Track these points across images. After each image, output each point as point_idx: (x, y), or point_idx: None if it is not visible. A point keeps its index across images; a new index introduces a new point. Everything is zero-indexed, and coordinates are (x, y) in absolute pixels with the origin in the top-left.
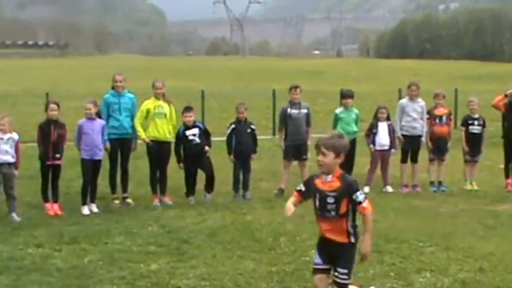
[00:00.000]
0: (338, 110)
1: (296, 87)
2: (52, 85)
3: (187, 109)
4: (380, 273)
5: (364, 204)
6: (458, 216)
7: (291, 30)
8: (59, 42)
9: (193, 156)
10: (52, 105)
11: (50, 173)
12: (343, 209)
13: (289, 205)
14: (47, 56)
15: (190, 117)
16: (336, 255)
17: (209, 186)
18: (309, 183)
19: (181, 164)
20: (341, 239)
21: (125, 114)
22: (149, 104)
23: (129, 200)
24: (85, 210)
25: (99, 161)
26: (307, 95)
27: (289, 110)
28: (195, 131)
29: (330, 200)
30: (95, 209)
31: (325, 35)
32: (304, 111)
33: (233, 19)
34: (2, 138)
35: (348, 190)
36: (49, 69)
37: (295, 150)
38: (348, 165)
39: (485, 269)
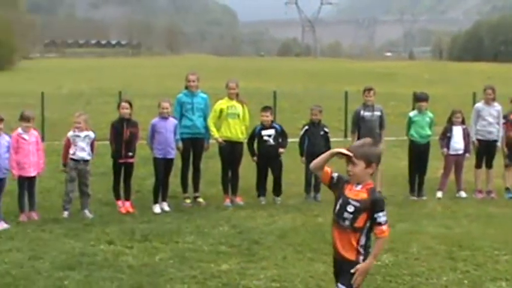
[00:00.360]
0: (412, 113)
1: (370, 89)
2: (125, 84)
3: (265, 109)
4: (453, 281)
5: (384, 227)
6: None
7: (363, 32)
8: (132, 41)
9: (266, 157)
10: (124, 104)
11: (122, 171)
12: (359, 222)
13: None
14: (120, 55)
15: (268, 117)
16: (341, 270)
17: (277, 189)
18: (341, 180)
19: (254, 158)
20: (349, 255)
21: (197, 114)
22: (222, 104)
23: (200, 200)
24: (156, 208)
25: (171, 160)
26: (379, 97)
27: (362, 112)
28: (271, 132)
29: (350, 208)
30: (166, 208)
31: (398, 37)
32: (378, 113)
33: (305, 20)
34: (79, 136)
35: (372, 206)
36: (122, 68)
37: None
38: (420, 169)
39: None
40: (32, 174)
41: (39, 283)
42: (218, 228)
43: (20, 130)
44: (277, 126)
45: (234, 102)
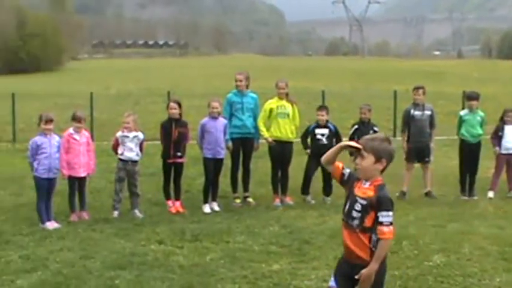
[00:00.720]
0: (462, 112)
1: (419, 88)
2: (173, 84)
3: (321, 108)
4: (507, 282)
5: (385, 228)
6: None
7: (411, 31)
8: (179, 41)
9: (317, 156)
10: (172, 104)
11: (172, 171)
12: (368, 222)
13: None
14: (167, 56)
15: (323, 116)
16: (355, 273)
17: (327, 189)
18: (352, 177)
19: (308, 150)
20: (363, 254)
21: (247, 114)
22: (272, 103)
23: (250, 200)
24: (206, 208)
25: (221, 160)
26: (428, 96)
27: (412, 111)
28: (325, 131)
29: (358, 207)
30: (216, 208)
31: (446, 36)
32: (428, 112)
33: (352, 19)
34: (127, 136)
35: (377, 204)
36: (169, 69)
37: (417, 153)
38: (471, 169)
39: None
40: (82, 175)
41: (90, 282)
42: (268, 228)
43: (71, 130)
44: (331, 126)
45: (284, 102)
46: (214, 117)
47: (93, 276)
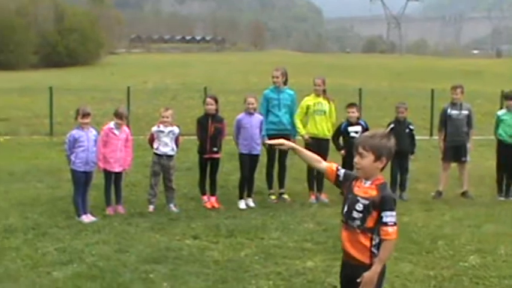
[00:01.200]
0: (500, 112)
1: (457, 87)
2: (209, 79)
3: (351, 105)
4: None
5: (390, 229)
6: None
7: (449, 29)
8: (216, 37)
9: (353, 154)
10: (209, 100)
11: (207, 166)
12: (370, 222)
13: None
14: (204, 51)
15: (354, 113)
16: (355, 279)
17: None
18: (349, 177)
19: (342, 151)
20: (362, 257)
21: (284, 110)
22: (309, 100)
23: (285, 196)
24: (242, 204)
25: (256, 156)
26: (465, 95)
27: (449, 110)
28: (358, 128)
29: (359, 207)
30: (252, 204)
31: (484, 34)
32: (465, 112)
33: (390, 17)
34: (162, 131)
35: (381, 204)
36: (206, 64)
37: (454, 152)
38: (509, 169)
39: None
40: (116, 170)
41: (125, 276)
42: (303, 225)
43: (111, 125)
44: (363, 123)
45: (321, 99)
46: (250, 113)
47: (128, 269)
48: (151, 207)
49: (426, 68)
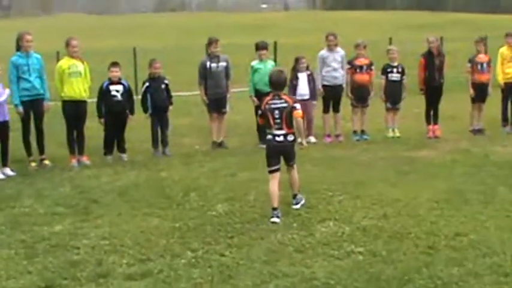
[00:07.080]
0: (254, 63)
1: (217, 40)
2: None
3: (114, 64)
4: (283, 225)
5: None
6: (375, 164)
7: None
8: (1, 3)
9: (115, 114)
10: None
11: None
12: None
13: None
14: None
15: (117, 73)
16: None
17: (122, 146)
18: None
19: (102, 120)
20: None
21: (34, 74)
22: (64, 63)
23: (46, 162)
24: None
25: (4, 124)
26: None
27: (208, 63)
28: (119, 87)
29: None
30: (10, 173)
31: None
32: (223, 64)
33: None
34: None
35: None
36: None
37: (216, 104)
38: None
39: (388, 215)
40: None
41: None
42: (59, 190)
43: None
44: (125, 82)
45: (75, 61)
46: None
47: None
48: None
49: (216, 24)
